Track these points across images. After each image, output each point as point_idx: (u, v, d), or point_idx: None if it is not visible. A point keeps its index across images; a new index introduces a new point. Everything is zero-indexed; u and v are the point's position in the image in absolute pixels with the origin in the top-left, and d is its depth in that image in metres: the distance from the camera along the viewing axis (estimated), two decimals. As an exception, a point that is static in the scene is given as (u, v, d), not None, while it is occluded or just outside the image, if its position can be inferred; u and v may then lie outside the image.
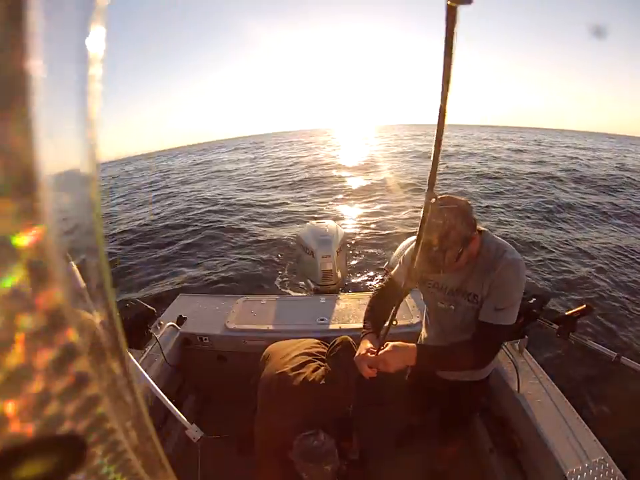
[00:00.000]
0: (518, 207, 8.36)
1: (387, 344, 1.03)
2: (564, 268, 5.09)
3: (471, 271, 1.11)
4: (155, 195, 12.68)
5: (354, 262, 5.35)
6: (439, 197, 0.94)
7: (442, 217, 0.97)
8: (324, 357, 1.31)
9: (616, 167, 15.93)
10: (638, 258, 5.53)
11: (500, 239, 1.13)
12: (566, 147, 28.67)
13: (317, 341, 1.47)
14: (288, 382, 1.20)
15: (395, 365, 1.00)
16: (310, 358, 1.29)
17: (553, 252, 5.69)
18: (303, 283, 3.75)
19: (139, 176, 22.22)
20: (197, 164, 25.15)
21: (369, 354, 1.05)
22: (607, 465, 1.13)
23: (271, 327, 1.78)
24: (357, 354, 1.09)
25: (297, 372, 1.23)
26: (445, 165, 14.42)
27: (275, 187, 12.17)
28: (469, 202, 1.05)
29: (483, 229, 1.13)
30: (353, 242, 6.18)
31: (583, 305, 1.44)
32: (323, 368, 1.22)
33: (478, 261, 1.09)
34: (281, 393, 1.20)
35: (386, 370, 1.01)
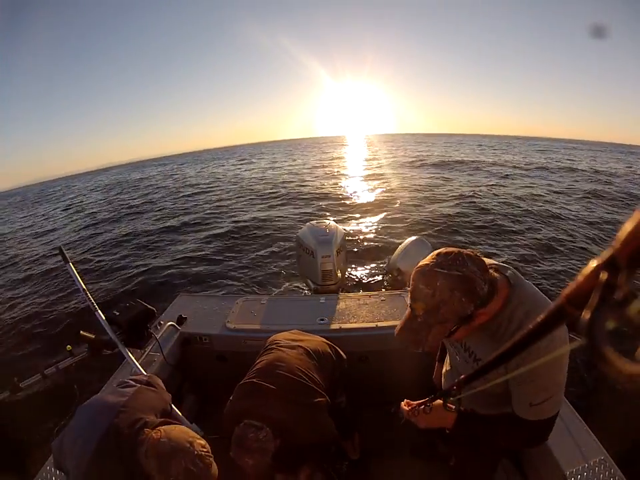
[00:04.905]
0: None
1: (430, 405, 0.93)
2: (560, 266, 5.09)
3: (482, 331, 0.83)
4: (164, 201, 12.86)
5: (354, 262, 5.35)
6: (443, 251, 0.75)
7: (433, 284, 0.71)
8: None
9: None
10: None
11: (537, 293, 0.81)
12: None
13: (323, 342, 1.42)
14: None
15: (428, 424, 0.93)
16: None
17: (548, 250, 5.70)
18: (303, 283, 3.74)
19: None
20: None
21: (406, 406, 0.99)
22: (607, 464, 1.13)
23: (271, 327, 1.77)
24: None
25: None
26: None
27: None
28: (484, 260, 0.76)
29: (514, 280, 0.80)
30: (353, 242, 6.18)
31: None
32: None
33: (493, 326, 0.80)
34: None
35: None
